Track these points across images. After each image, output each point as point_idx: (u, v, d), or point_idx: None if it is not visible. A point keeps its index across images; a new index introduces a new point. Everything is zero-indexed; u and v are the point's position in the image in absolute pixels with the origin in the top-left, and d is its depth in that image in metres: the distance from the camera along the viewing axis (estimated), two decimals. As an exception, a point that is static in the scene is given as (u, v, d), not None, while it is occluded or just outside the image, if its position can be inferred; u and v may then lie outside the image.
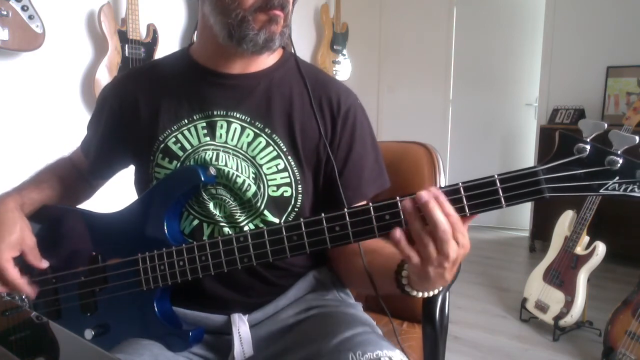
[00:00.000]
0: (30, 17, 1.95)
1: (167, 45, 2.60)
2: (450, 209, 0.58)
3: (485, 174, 0.60)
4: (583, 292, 2.03)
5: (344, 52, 4.06)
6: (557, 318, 2.06)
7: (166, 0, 2.69)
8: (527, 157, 3.75)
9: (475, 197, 0.59)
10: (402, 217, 0.60)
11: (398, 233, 0.59)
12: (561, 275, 2.10)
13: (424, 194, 0.57)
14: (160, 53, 2.50)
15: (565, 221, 2.18)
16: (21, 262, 0.79)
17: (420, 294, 0.67)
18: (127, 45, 2.36)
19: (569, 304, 2.03)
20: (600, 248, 2.02)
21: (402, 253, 0.60)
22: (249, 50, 0.76)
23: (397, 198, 0.60)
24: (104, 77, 2.29)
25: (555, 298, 2.09)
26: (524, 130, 3.82)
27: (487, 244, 3.52)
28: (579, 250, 2.07)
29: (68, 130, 2.19)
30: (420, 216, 0.58)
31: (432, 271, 0.59)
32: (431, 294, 0.67)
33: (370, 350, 0.65)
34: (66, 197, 0.93)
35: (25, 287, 0.79)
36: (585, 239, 2.08)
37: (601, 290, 2.50)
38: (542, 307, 2.13)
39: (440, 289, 0.66)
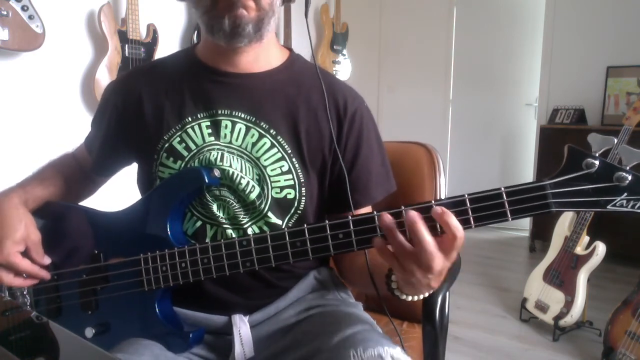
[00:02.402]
0: (30, 17, 1.95)
1: (167, 45, 2.60)
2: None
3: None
4: (583, 292, 2.03)
5: (344, 52, 4.06)
6: (557, 318, 2.06)
7: (166, 0, 2.69)
8: (527, 157, 3.75)
9: (481, 209, 0.58)
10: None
11: (379, 242, 0.59)
12: (561, 275, 2.10)
13: (411, 214, 0.57)
14: (160, 53, 2.50)
15: (565, 221, 2.18)
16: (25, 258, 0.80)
17: (410, 298, 0.67)
18: (127, 45, 2.36)
19: (569, 304, 2.03)
20: (600, 248, 2.02)
21: (386, 262, 0.61)
22: (222, 40, 0.76)
23: (402, 207, 0.60)
24: (104, 77, 2.29)
25: (555, 298, 2.09)
26: (524, 130, 3.82)
27: (487, 244, 3.52)
28: (579, 250, 2.07)
29: (68, 130, 2.20)
30: (402, 231, 0.58)
31: (417, 281, 0.60)
32: (421, 297, 0.67)
33: (371, 346, 0.65)
34: (69, 194, 0.93)
35: (41, 272, 0.80)
36: (585, 239, 2.08)
37: (601, 290, 2.50)
38: (542, 307, 2.13)
39: (431, 292, 0.67)
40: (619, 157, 0.58)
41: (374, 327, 0.78)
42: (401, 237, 0.58)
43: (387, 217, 0.59)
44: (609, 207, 0.56)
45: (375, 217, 0.62)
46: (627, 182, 0.55)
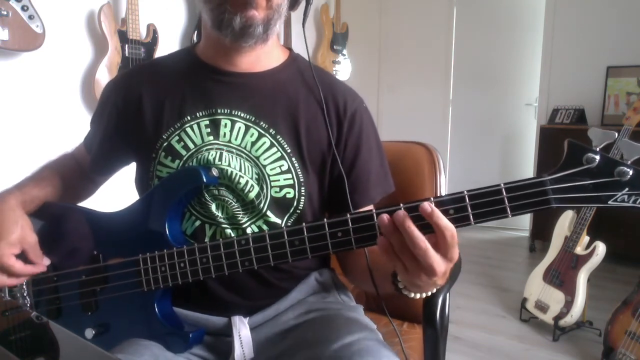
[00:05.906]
0: (30, 17, 1.95)
1: (167, 45, 2.60)
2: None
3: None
4: (583, 292, 2.03)
5: (344, 52, 4.06)
6: (557, 318, 2.06)
7: (166, 0, 2.69)
8: (527, 157, 3.75)
9: (481, 205, 0.58)
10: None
11: (382, 241, 0.59)
12: (561, 275, 2.10)
13: (400, 213, 0.57)
14: (160, 53, 2.50)
15: (565, 221, 2.18)
16: (23, 260, 0.79)
17: (417, 296, 0.67)
18: (127, 45, 2.36)
19: (568, 304, 2.03)
20: (600, 248, 2.02)
21: (390, 264, 0.61)
22: (229, 37, 0.75)
23: (401, 205, 0.60)
24: (104, 77, 2.29)
25: (555, 298, 2.09)
26: (524, 130, 3.82)
27: (487, 244, 3.52)
28: (579, 250, 2.07)
29: (68, 130, 2.20)
30: (398, 231, 0.57)
31: (421, 281, 0.60)
32: (429, 293, 0.67)
33: (370, 358, 0.65)
34: (67, 194, 0.93)
35: (34, 269, 0.80)
36: (585, 239, 2.08)
37: (601, 290, 2.50)
38: (542, 307, 2.13)
39: (438, 287, 0.66)
40: (620, 153, 0.58)
41: (374, 333, 0.76)
42: (401, 236, 0.58)
43: (385, 216, 0.58)
44: (610, 202, 0.55)
45: (374, 214, 0.61)
46: (629, 176, 0.55)
